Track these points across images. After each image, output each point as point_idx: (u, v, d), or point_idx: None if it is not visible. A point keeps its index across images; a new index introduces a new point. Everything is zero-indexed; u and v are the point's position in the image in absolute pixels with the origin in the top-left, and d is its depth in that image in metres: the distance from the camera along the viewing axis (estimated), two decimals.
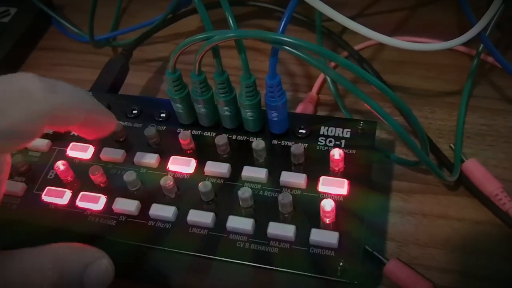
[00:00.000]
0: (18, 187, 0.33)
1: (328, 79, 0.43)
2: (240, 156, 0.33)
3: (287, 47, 0.28)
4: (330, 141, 0.33)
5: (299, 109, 0.41)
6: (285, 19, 0.29)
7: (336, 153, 0.31)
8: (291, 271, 0.28)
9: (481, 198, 0.35)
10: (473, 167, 0.36)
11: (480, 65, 0.42)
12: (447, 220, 0.35)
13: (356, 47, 0.45)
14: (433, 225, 0.35)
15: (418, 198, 0.36)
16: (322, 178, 0.31)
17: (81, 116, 0.28)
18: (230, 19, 0.29)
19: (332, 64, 0.44)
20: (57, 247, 0.27)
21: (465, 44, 0.35)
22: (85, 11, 0.45)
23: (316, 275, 0.28)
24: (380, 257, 0.33)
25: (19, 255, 0.26)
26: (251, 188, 0.31)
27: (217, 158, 0.33)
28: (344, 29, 0.47)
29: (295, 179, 0.31)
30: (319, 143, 0.33)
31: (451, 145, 0.38)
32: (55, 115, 0.25)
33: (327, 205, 0.29)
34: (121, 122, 0.35)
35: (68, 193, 0.33)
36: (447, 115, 0.41)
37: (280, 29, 0.29)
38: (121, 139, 0.35)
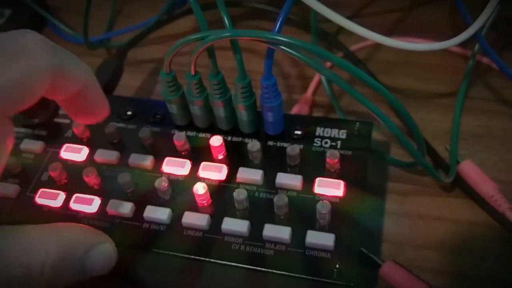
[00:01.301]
0: (12, 189, 0.33)
1: (323, 80, 0.43)
2: (235, 157, 0.33)
3: (283, 47, 0.28)
4: (326, 142, 0.33)
5: (294, 111, 0.41)
6: (280, 18, 0.29)
7: (332, 154, 0.31)
8: (286, 273, 0.28)
9: (476, 200, 0.35)
10: (469, 169, 0.36)
11: (476, 66, 0.42)
12: (442, 221, 0.35)
13: (351, 48, 0.45)
14: (428, 226, 0.35)
15: (413, 200, 0.36)
16: (318, 179, 0.31)
17: (79, 83, 0.26)
18: (225, 18, 0.29)
19: (328, 64, 0.44)
20: (62, 227, 0.26)
21: (460, 45, 0.35)
22: (80, 12, 0.45)
23: (312, 277, 0.28)
24: (376, 259, 0.32)
25: (22, 232, 0.25)
26: (246, 189, 0.30)
27: (212, 160, 0.33)
28: (339, 30, 0.47)
29: (290, 180, 0.31)
30: (314, 144, 0.33)
31: (447, 146, 0.38)
32: (55, 75, 0.24)
33: (323, 206, 0.29)
34: (116, 124, 0.35)
35: (62, 195, 0.32)
36: (443, 117, 0.41)
37: (276, 29, 0.29)
38: (115, 141, 0.35)
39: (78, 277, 0.26)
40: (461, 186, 0.36)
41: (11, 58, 0.22)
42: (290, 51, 0.28)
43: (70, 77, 0.25)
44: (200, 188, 0.30)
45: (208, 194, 0.31)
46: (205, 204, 0.31)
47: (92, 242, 0.27)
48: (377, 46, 0.46)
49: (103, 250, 0.27)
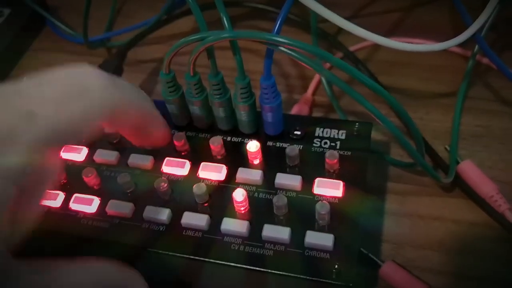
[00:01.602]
0: None
1: (323, 80, 0.43)
2: (234, 158, 0.33)
3: (282, 48, 0.28)
4: (325, 143, 0.33)
5: (294, 111, 0.41)
6: (280, 19, 0.29)
7: (331, 155, 0.31)
8: (286, 273, 0.28)
9: (476, 200, 0.35)
10: (469, 169, 0.36)
11: (476, 66, 0.42)
12: (442, 221, 0.35)
13: (351, 48, 0.45)
14: (428, 226, 0.35)
15: (413, 200, 0.36)
16: (317, 180, 0.31)
17: (137, 116, 0.27)
18: (225, 19, 0.29)
19: (328, 65, 0.44)
20: (97, 265, 0.26)
21: (460, 45, 0.35)
22: (80, 12, 0.45)
23: (311, 278, 0.28)
24: (376, 259, 0.32)
25: (55, 270, 0.24)
26: (245, 190, 0.30)
27: (211, 160, 0.33)
28: (339, 30, 0.47)
29: (290, 181, 0.31)
30: (314, 144, 0.33)
31: (446, 146, 0.38)
32: (113, 111, 0.25)
33: (322, 207, 0.29)
34: None
35: (61, 196, 0.32)
36: (443, 117, 0.41)
37: (275, 30, 0.29)
38: (114, 141, 0.35)
39: None
40: (461, 186, 0.36)
41: (71, 96, 0.23)
42: (289, 52, 0.28)
43: (129, 112, 0.26)
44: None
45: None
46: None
47: (126, 282, 0.26)
48: (377, 46, 0.46)
49: None
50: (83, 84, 0.23)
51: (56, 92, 0.23)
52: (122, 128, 0.27)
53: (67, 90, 0.23)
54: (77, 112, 0.23)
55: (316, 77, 0.44)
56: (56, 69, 0.24)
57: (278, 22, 0.29)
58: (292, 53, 0.28)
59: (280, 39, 0.28)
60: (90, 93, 0.23)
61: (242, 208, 0.30)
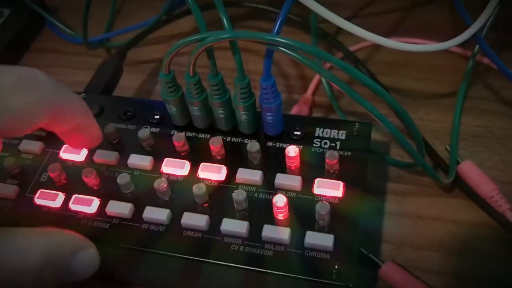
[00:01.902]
0: (11, 190, 0.33)
1: (323, 80, 0.43)
2: (234, 158, 0.33)
3: (282, 48, 0.28)
4: (325, 143, 0.33)
5: (294, 111, 0.41)
6: (280, 19, 0.29)
7: (331, 155, 0.31)
8: (285, 274, 0.28)
9: (476, 200, 0.35)
10: (469, 169, 0.36)
11: (476, 66, 0.42)
12: (442, 222, 0.35)
13: (351, 48, 0.45)
14: (428, 227, 0.35)
15: (413, 200, 0.36)
16: (317, 180, 0.31)
17: (77, 118, 0.29)
18: (224, 19, 0.29)
19: (328, 65, 0.44)
20: (50, 231, 0.28)
21: (460, 45, 0.35)
22: (79, 12, 0.45)
23: (311, 278, 0.27)
24: (376, 259, 0.32)
25: (12, 234, 0.26)
26: (245, 190, 0.30)
27: (211, 160, 0.33)
28: (339, 30, 0.47)
29: (290, 181, 0.31)
30: (314, 145, 0.33)
31: (447, 146, 0.38)
32: (58, 110, 0.27)
33: (322, 207, 0.29)
34: (115, 124, 0.35)
35: (61, 196, 0.32)
36: (443, 117, 0.41)
37: (275, 30, 0.29)
38: (114, 141, 0.35)
39: (63, 280, 0.27)
40: (461, 187, 0.36)
41: (24, 86, 0.25)
42: (289, 52, 0.28)
43: (69, 113, 0.28)
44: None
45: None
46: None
47: (78, 247, 0.28)
48: (377, 46, 0.46)
49: (89, 255, 0.28)
50: (36, 79, 0.26)
51: (11, 79, 0.25)
52: (60, 128, 0.29)
53: (21, 80, 0.25)
54: (29, 100, 0.25)
55: (316, 77, 0.44)
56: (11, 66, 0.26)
57: (278, 22, 0.29)
58: (292, 54, 0.28)
59: (279, 40, 0.28)
60: (42, 87, 0.26)
61: (243, 209, 0.30)
